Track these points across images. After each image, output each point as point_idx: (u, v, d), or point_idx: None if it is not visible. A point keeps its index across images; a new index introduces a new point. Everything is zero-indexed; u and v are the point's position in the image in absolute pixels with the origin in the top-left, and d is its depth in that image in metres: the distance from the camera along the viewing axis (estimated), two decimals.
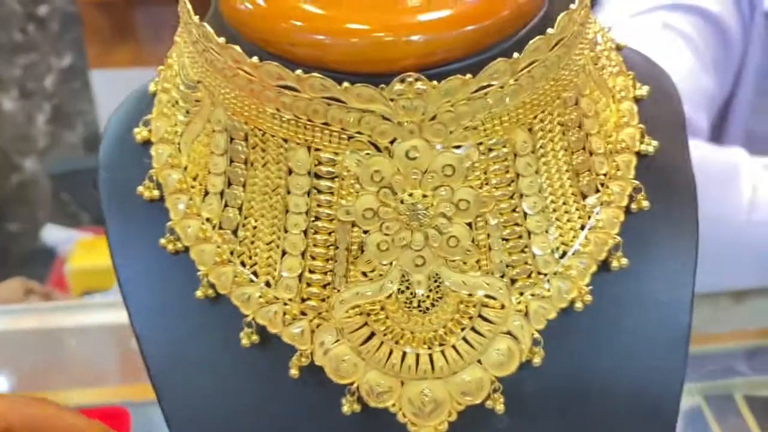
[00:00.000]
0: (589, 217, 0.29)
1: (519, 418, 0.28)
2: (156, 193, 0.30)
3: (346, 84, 0.24)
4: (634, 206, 0.30)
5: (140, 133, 0.31)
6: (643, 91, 0.32)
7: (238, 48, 0.26)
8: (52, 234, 1.42)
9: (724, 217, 0.59)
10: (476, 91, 0.25)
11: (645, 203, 0.30)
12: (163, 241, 0.30)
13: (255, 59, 0.25)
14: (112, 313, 0.62)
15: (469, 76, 0.25)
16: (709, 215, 0.59)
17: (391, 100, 0.24)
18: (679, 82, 0.71)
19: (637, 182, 0.30)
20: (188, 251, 0.29)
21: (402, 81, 0.24)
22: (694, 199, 0.31)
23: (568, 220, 0.29)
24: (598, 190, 0.29)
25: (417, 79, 0.24)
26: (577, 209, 0.29)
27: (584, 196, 0.29)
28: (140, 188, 0.30)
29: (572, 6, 0.27)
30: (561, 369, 0.28)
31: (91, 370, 0.59)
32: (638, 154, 0.31)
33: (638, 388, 0.29)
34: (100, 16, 1.40)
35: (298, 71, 0.25)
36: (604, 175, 0.30)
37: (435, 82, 0.24)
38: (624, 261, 0.29)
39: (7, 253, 1.52)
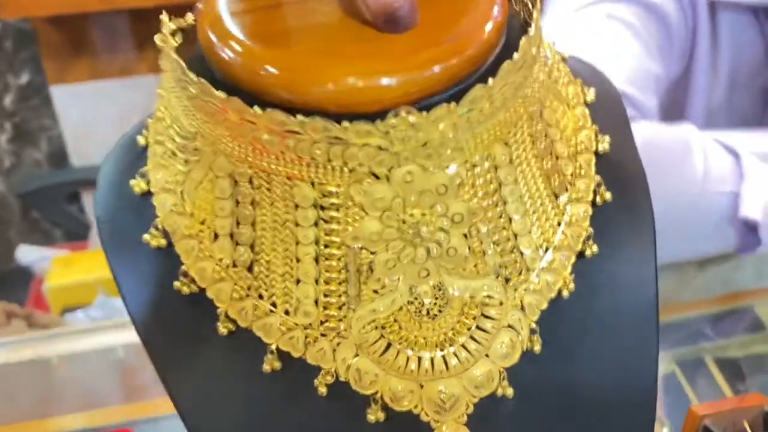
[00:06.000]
0: (564, 214, 0.32)
1: (523, 400, 0.31)
2: (163, 241, 0.32)
3: (345, 123, 0.27)
4: (598, 199, 0.33)
5: (138, 184, 0.33)
6: (591, 95, 0.36)
7: (238, 100, 0.28)
8: (27, 254, 1.42)
9: (681, 190, 0.63)
10: (459, 116, 0.28)
11: (607, 195, 0.34)
12: (177, 284, 0.31)
13: (257, 109, 0.27)
14: (104, 336, 0.64)
15: (453, 104, 0.27)
16: (667, 189, 0.63)
17: (387, 132, 0.27)
18: (627, 68, 0.75)
19: (598, 178, 0.34)
20: (202, 293, 0.31)
21: (396, 115, 0.27)
22: (646, 185, 0.35)
23: (547, 219, 0.32)
24: (567, 189, 0.33)
25: (408, 113, 0.27)
26: (552, 208, 0.32)
27: (557, 196, 0.32)
28: (146, 236, 0.32)
29: (530, 31, 0.30)
30: (554, 352, 0.31)
31: (88, 393, 0.60)
32: (596, 153, 0.34)
33: (620, 359, 0.32)
34: (54, 31, 1.39)
35: (299, 116, 0.27)
36: (571, 175, 0.33)
37: (424, 113, 0.27)
38: (595, 248, 0.33)
39: None
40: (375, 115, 0.27)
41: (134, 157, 0.34)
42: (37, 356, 0.61)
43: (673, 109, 0.76)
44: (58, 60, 1.42)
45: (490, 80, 0.28)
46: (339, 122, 0.27)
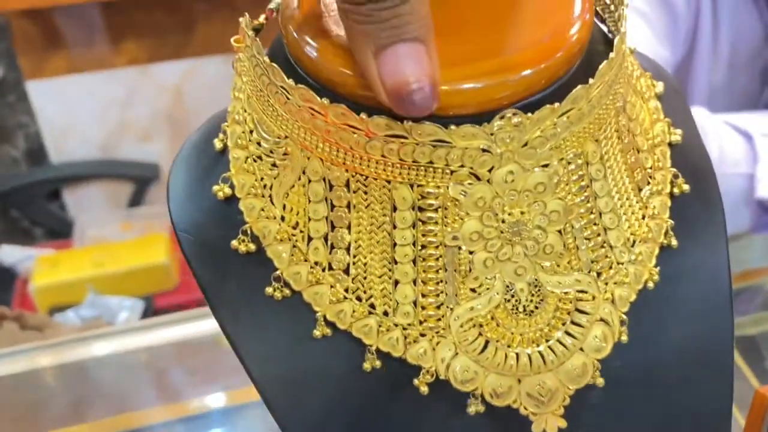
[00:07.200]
0: (647, 207, 0.33)
1: (610, 387, 0.32)
2: (252, 246, 0.32)
3: (452, 126, 0.27)
4: (675, 191, 0.34)
5: (222, 190, 0.33)
6: (660, 87, 0.37)
7: (344, 106, 0.28)
8: (9, 254, 1.39)
9: None
10: (560, 116, 0.28)
11: (685, 186, 0.35)
12: (269, 289, 0.31)
13: (363, 115, 0.28)
14: (130, 338, 0.63)
15: (556, 104, 0.28)
16: None
17: (491, 134, 0.27)
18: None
19: (674, 170, 0.35)
20: (295, 297, 0.31)
21: (502, 117, 0.27)
22: (714, 175, 0.36)
23: (633, 213, 0.33)
24: (648, 182, 0.34)
25: (514, 114, 0.27)
26: (637, 202, 0.33)
27: (640, 189, 0.33)
28: (234, 242, 0.32)
29: (621, 28, 0.31)
30: (638, 340, 0.32)
31: (124, 396, 0.60)
32: (669, 144, 0.35)
33: (699, 347, 0.34)
34: (29, 25, 1.35)
35: (407, 122, 0.27)
36: (650, 167, 0.34)
37: (529, 114, 0.27)
38: (676, 240, 0.34)
39: None
40: (463, 118, 0.28)
41: (210, 162, 0.34)
42: (60, 362, 0.60)
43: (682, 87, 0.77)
44: (33, 54, 1.38)
45: (590, 80, 0.28)
46: (445, 126, 0.27)
